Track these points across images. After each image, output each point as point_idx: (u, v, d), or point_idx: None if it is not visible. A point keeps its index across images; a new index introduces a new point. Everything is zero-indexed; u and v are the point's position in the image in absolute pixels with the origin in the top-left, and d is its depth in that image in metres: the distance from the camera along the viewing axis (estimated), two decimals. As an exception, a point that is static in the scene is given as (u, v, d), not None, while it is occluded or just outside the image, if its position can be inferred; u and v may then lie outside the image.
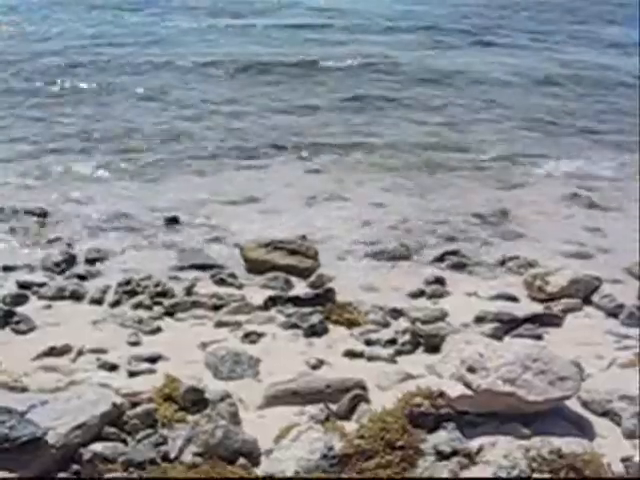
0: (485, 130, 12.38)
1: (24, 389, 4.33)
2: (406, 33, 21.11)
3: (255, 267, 6.80)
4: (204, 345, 5.16)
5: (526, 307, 6.02)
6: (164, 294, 6.06)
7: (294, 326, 5.54)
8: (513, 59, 18.04)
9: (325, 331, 5.52)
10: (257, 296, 6.10)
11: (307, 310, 5.73)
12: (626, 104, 13.98)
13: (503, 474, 3.60)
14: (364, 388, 4.40)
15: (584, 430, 4.02)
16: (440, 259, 7.22)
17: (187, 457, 3.62)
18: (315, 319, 5.55)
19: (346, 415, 4.15)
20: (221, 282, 6.43)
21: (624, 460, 3.75)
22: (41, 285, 6.17)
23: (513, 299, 6.29)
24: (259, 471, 3.68)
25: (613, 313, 5.95)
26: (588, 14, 26.07)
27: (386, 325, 5.68)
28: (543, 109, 13.72)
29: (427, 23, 22.39)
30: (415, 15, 23.93)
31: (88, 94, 13.71)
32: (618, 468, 3.71)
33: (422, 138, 11.61)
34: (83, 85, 14.24)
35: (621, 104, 14.16)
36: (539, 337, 5.40)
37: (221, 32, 20.69)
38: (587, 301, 6.17)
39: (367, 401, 4.28)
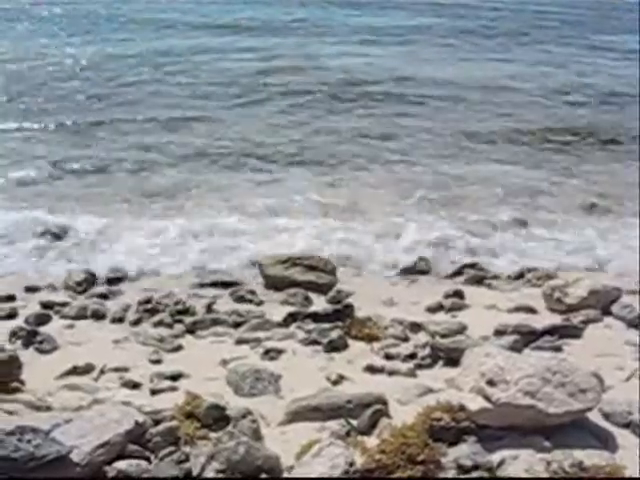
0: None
1: (48, 408, 4.39)
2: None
3: (274, 283, 6.84)
4: (225, 362, 5.19)
5: (545, 319, 5.99)
6: (184, 312, 6.12)
7: (314, 342, 5.56)
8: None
9: (345, 346, 5.53)
10: (277, 312, 6.14)
11: (327, 326, 5.76)
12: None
13: (525, 487, 3.60)
14: (385, 403, 4.39)
15: (606, 442, 4.00)
16: (459, 272, 7.23)
17: (209, 474, 3.64)
18: (335, 334, 5.57)
19: (367, 430, 4.15)
20: (241, 299, 6.48)
21: (646, 471, 3.73)
22: (63, 305, 6.24)
23: (532, 311, 6.28)
24: (281, 487, 3.69)
25: (633, 324, 5.90)
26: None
27: (406, 339, 5.68)
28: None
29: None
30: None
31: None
32: (641, 480, 3.69)
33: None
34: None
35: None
36: (559, 349, 5.39)
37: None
38: (607, 312, 6.13)
39: (388, 416, 4.28)
